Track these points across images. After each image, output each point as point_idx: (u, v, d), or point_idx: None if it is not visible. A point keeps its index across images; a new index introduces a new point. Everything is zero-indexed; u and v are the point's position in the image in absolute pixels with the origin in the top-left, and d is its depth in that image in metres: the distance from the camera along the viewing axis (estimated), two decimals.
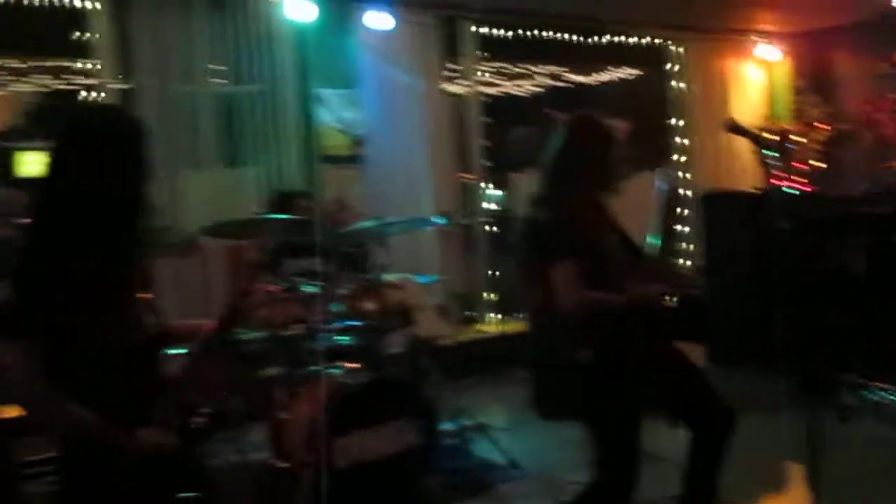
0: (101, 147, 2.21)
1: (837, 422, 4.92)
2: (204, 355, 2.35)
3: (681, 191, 8.55)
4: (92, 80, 5.97)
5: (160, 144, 5.92)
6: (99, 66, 5.92)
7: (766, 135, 8.25)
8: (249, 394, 4.12)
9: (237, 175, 6.28)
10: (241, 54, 6.25)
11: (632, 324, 3.03)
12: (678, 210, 8.20)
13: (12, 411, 3.84)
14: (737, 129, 3.22)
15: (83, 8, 5.88)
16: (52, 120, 7.27)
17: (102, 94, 5.89)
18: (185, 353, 2.35)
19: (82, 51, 5.97)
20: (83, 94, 5.99)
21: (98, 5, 5.88)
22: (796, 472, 4.43)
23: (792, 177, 8.67)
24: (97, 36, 5.91)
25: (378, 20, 6.65)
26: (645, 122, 7.62)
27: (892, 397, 5.14)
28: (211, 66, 6.19)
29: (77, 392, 2.07)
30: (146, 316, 2.29)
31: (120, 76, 6.03)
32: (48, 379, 2.07)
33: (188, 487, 2.31)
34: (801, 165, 8.92)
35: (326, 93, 6.47)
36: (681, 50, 8.77)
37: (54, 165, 2.21)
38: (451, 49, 7.34)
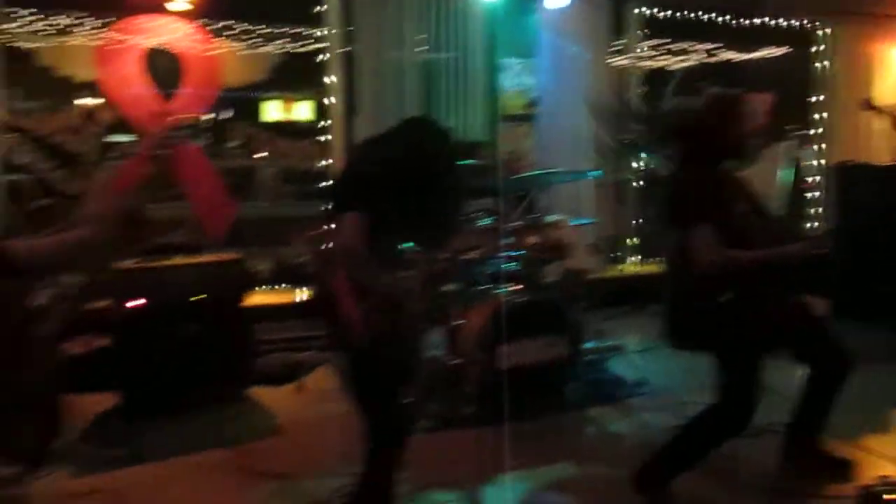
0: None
1: None
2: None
3: (806, 161, 8.01)
4: (322, 45, 6.27)
5: (374, 99, 6.20)
6: (328, 33, 6.20)
7: None
8: (434, 303, 4.31)
9: None
10: (440, 26, 6.37)
11: (763, 276, 2.97)
12: (804, 177, 7.68)
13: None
14: (873, 107, 3.02)
15: None
16: (290, 76, 7.75)
17: (329, 57, 6.17)
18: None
19: (316, 20, 6.26)
20: (317, 57, 6.28)
21: None
22: None
23: None
24: (328, 8, 6.18)
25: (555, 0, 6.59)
26: (788, 97, 7.18)
27: None
28: (416, 36, 6.34)
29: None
30: None
31: (344, 43, 6.29)
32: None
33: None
34: None
35: (508, 61, 6.49)
36: (827, 31, 8.13)
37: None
38: (617, 26, 7.16)
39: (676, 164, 3.13)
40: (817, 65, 8.18)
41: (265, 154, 6.22)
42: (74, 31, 6.66)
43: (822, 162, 8.13)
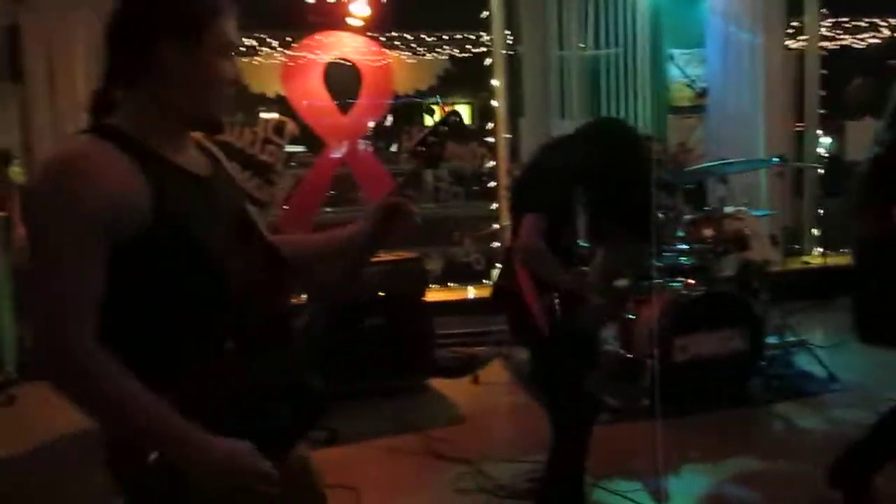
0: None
1: None
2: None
3: None
4: (488, 49, 6.48)
5: (539, 99, 6.33)
6: (493, 38, 6.40)
7: None
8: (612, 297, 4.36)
9: None
10: (604, 22, 6.38)
11: None
12: None
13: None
14: None
15: None
16: (457, 81, 8.05)
17: (494, 60, 6.37)
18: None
19: (482, 25, 6.48)
20: (483, 61, 6.50)
21: None
22: None
23: None
24: (493, 12, 6.38)
25: None
26: None
27: None
28: (580, 34, 6.40)
29: None
30: None
31: (510, 45, 6.47)
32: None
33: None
34: None
35: (675, 52, 6.38)
36: None
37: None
38: (794, 7, 6.84)
39: (881, 141, 2.99)
40: None
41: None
42: (261, 50, 7.31)
43: None
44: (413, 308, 4.59)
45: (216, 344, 1.40)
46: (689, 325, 4.01)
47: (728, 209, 4.46)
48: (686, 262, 4.38)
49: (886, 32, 8.60)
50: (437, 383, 4.70)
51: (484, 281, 6.61)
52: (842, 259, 6.82)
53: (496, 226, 6.09)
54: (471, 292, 6.47)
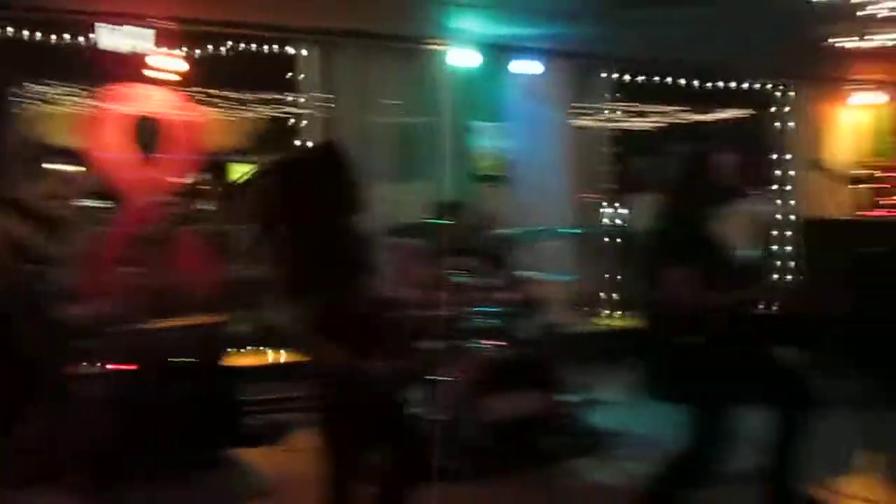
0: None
1: None
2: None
3: (775, 214, 8.34)
4: (301, 111, 6.47)
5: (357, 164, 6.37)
6: (306, 100, 6.41)
7: (859, 170, 7.92)
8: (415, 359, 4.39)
9: (411, 188, 6.64)
10: (417, 93, 6.62)
11: (734, 321, 3.13)
12: (772, 230, 7.98)
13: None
14: (818, 166, 3.24)
15: (297, 53, 6.40)
16: (268, 142, 7.93)
17: (307, 123, 6.38)
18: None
19: (294, 87, 6.48)
20: (294, 121, 6.48)
21: (307, 52, 6.37)
22: (875, 461, 4.34)
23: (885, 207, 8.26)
24: (307, 76, 6.41)
25: (527, 66, 6.90)
26: (752, 156, 7.50)
27: None
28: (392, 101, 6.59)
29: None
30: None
31: (323, 108, 6.51)
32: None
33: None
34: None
35: (483, 124, 6.73)
36: (788, 94, 8.53)
37: None
38: (587, 90, 7.47)
39: (664, 214, 3.28)
40: (778, 125, 8.56)
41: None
42: (57, 98, 6.82)
43: (788, 216, 8.47)
44: (215, 374, 4.37)
45: None
46: (492, 387, 4.12)
47: (530, 274, 4.69)
48: (494, 325, 4.52)
49: (668, 119, 9.60)
50: (245, 453, 4.48)
51: None
52: (635, 320, 7.37)
53: None
54: (283, 356, 6.29)
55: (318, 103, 6.40)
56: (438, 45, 6.62)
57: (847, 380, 5.93)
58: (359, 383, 2.51)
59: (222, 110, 6.66)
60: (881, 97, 8.67)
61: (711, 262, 3.12)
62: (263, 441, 4.66)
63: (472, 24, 6.41)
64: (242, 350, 6.23)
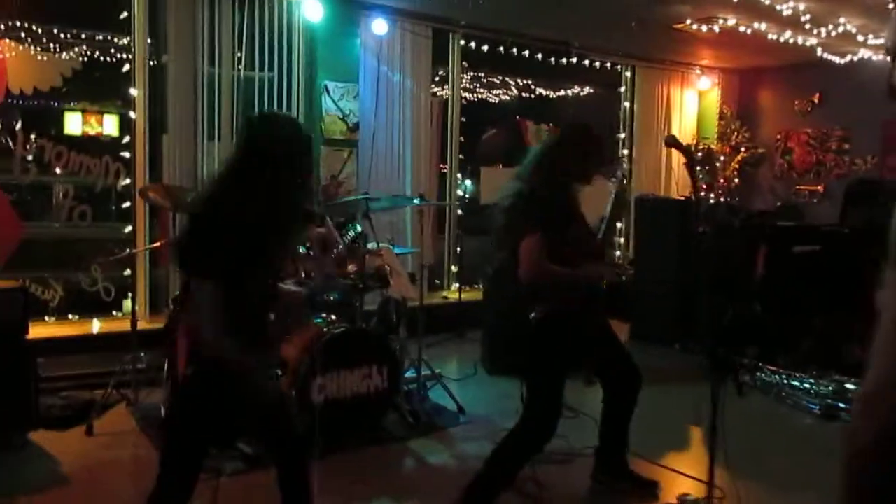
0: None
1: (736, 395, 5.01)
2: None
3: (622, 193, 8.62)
4: (128, 55, 5.83)
5: (186, 116, 5.86)
6: (135, 44, 5.77)
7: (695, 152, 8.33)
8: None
9: None
10: (259, 44, 6.15)
11: (576, 295, 3.07)
12: (624, 208, 8.25)
13: None
14: (675, 143, 3.24)
15: None
16: (91, 86, 7.18)
17: (135, 68, 5.76)
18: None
19: (121, 27, 5.82)
20: (123, 67, 5.83)
21: None
22: (696, 434, 4.52)
23: (715, 189, 8.76)
24: (135, 16, 5.76)
25: (379, 26, 6.62)
26: (600, 133, 7.63)
27: (777, 378, 5.24)
28: (232, 53, 6.08)
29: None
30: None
31: (154, 54, 5.91)
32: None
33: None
34: (722, 180, 9.02)
35: (331, 84, 6.38)
36: (628, 74, 8.79)
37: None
38: (439, 57, 7.30)
39: (522, 181, 3.16)
40: (623, 104, 8.82)
41: (59, 170, 5.68)
42: None
43: (630, 194, 8.79)
44: (8, 347, 3.82)
45: None
46: (329, 364, 3.89)
47: (371, 245, 4.46)
48: (331, 298, 4.28)
49: (515, 91, 9.66)
50: (40, 437, 3.98)
51: (114, 313, 5.89)
52: (477, 294, 7.39)
53: (130, 251, 5.44)
54: (96, 326, 5.71)
55: (148, 48, 5.78)
56: None
57: (672, 355, 6.24)
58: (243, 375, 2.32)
59: (39, 48, 5.90)
60: (709, 81, 9.17)
61: (565, 234, 3.04)
62: (65, 423, 4.18)
63: None
64: (45, 319, 5.60)
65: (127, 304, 5.85)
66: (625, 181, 3.41)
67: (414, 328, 4.84)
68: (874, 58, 7.74)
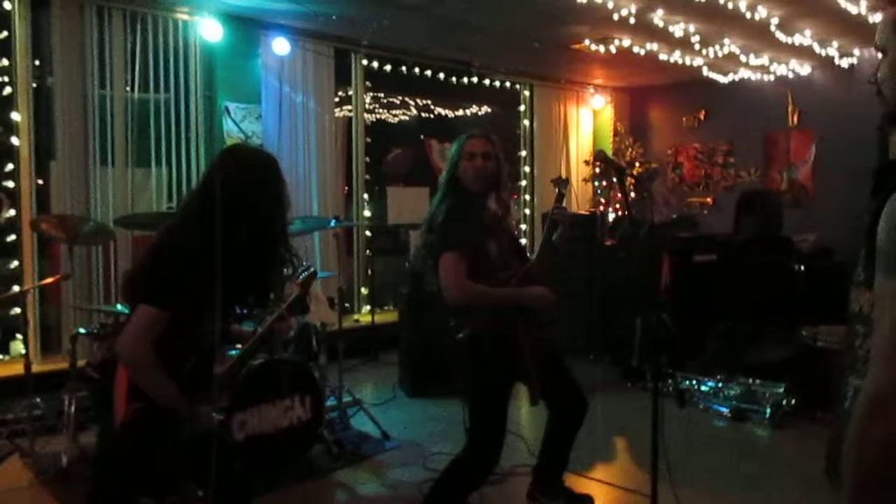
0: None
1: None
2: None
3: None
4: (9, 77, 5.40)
5: (75, 141, 5.47)
6: (16, 65, 5.35)
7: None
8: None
9: (146, 173, 5.87)
10: (153, 65, 5.84)
11: (505, 313, 3.00)
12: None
13: None
14: (604, 158, 3.28)
15: (1, 8, 5.29)
16: None
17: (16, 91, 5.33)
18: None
19: (1, 48, 5.38)
20: (3, 90, 5.38)
21: (16, 5, 5.28)
22: (621, 444, 4.56)
23: (613, 203, 9.01)
24: (16, 36, 5.34)
25: (280, 46, 6.44)
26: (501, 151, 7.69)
27: (687, 384, 5.37)
28: (125, 74, 5.73)
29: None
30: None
31: (38, 75, 5.50)
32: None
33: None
34: (620, 195, 9.27)
35: (231, 105, 6.13)
36: (526, 93, 8.94)
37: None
38: (341, 77, 7.17)
39: (436, 202, 3.09)
40: (523, 123, 8.95)
41: None
42: None
43: (527, 211, 8.92)
44: None
45: None
46: (248, 399, 3.68)
47: (287, 271, 4.26)
48: (248, 327, 4.05)
49: (414, 112, 9.64)
50: None
51: (1, 356, 5.41)
52: (389, 315, 7.26)
53: (16, 288, 5.02)
54: None
55: (30, 70, 5.37)
56: (181, 12, 5.92)
57: (585, 366, 6.31)
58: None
59: None
60: (602, 100, 9.46)
61: (482, 251, 2.99)
62: None
63: None
64: None
65: (15, 345, 5.40)
66: (562, 205, 3.41)
67: (331, 353, 4.67)
68: (753, 77, 8.21)
